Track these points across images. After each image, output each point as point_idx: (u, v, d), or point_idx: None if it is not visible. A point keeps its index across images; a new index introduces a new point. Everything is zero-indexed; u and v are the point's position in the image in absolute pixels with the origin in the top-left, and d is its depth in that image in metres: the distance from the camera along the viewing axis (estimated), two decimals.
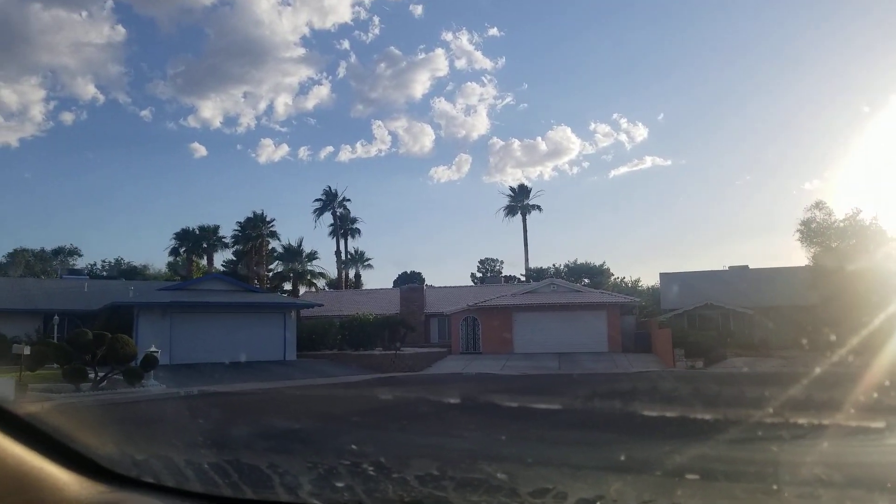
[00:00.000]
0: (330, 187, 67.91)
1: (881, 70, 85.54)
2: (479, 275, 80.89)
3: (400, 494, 2.54)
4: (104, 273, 69.90)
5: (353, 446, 9.64)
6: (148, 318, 30.62)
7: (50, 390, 19.91)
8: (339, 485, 2.70)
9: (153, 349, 23.46)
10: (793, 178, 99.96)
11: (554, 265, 74.55)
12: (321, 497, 2.54)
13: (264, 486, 2.63)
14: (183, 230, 58.57)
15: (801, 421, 9.66)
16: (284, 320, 33.96)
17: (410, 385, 24.81)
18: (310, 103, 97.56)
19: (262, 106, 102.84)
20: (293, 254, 55.39)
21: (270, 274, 58.87)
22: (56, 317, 30.92)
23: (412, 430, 12.18)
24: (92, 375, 21.20)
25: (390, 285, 64.66)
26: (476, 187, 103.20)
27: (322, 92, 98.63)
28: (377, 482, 2.78)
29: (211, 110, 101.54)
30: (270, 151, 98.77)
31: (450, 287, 54.97)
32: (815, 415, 10.35)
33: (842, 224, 37.01)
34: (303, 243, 57.92)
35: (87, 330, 22.53)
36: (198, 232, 58.61)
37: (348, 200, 68.23)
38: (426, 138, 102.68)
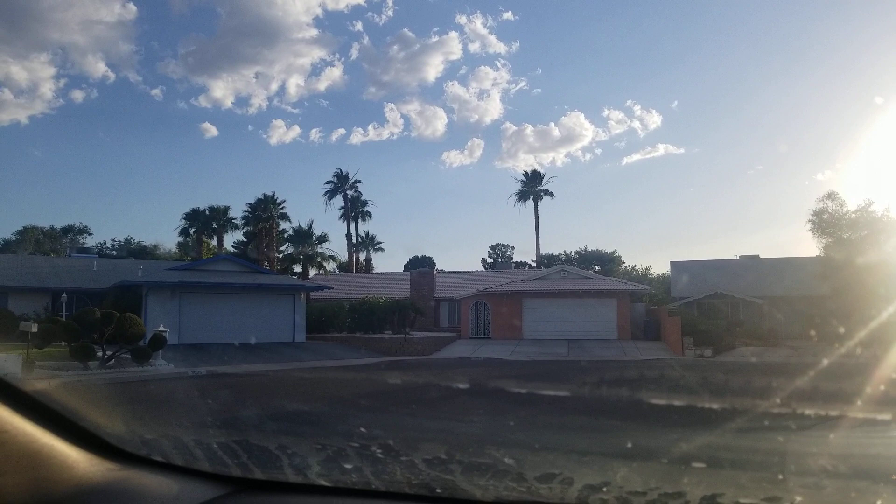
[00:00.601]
0: (341, 170, 67.97)
1: (894, 61, 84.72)
2: (489, 260, 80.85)
3: (408, 477, 2.55)
4: (114, 252, 70.17)
5: (362, 429, 9.70)
6: (157, 298, 30.80)
7: (58, 368, 20.07)
8: (348, 466, 2.72)
9: (161, 329, 23.60)
10: (805, 168, 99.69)
11: (565, 252, 74.43)
12: (329, 478, 2.55)
13: (273, 467, 2.64)
14: (193, 210, 58.70)
15: (808, 411, 9.55)
16: (294, 302, 34.09)
17: (419, 369, 24.88)
18: (322, 85, 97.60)
19: (274, 87, 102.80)
20: (303, 236, 55.43)
21: (280, 256, 59.01)
22: (64, 295, 31.05)
23: (420, 414, 12.22)
24: (100, 354, 21.34)
25: (401, 269, 64.72)
26: (488, 172, 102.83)
27: (334, 74, 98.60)
28: (385, 464, 2.80)
29: (222, 90, 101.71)
30: (282, 133, 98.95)
31: (460, 272, 54.94)
32: (821, 405, 10.16)
33: (854, 215, 36.68)
34: (314, 226, 57.73)
35: (94, 308, 22.69)
36: (208, 212, 58.75)
37: (359, 182, 68.31)
38: (439, 122, 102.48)
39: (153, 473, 2.29)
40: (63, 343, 21.71)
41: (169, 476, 2.32)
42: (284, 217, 59.24)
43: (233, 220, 59.66)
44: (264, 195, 58.15)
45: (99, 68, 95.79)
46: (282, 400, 16.00)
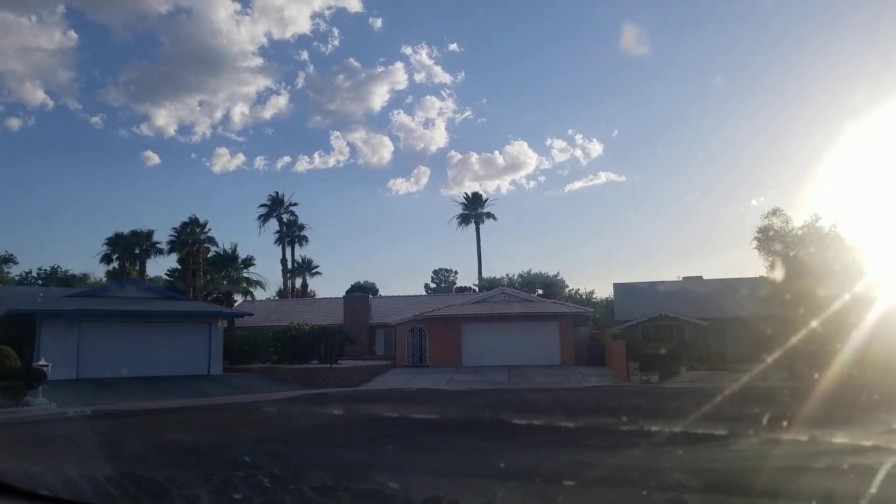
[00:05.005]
0: (276, 193, 65.02)
1: (828, 94, 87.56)
2: (433, 286, 78.80)
3: None
4: (39, 282, 65.71)
5: (243, 472, 8.45)
6: (52, 328, 27.44)
7: None
8: None
9: (42, 363, 20.70)
10: (740, 194, 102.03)
11: (507, 275, 72.79)
12: None
13: None
14: (115, 235, 55.06)
15: (720, 434, 10.30)
16: (210, 331, 31.10)
17: (339, 403, 22.39)
18: (267, 113, 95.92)
19: (218, 115, 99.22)
20: (227, 260, 52.13)
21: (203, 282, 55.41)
22: None
23: (316, 463, 9.89)
24: None
25: (342, 296, 61.91)
26: (434, 199, 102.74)
27: (280, 102, 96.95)
28: None
29: (165, 118, 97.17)
30: (226, 161, 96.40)
31: (398, 297, 52.61)
32: (745, 430, 10.90)
33: (800, 231, 35.71)
34: (245, 251, 54.78)
35: None
36: (130, 237, 55.10)
37: (295, 205, 65.48)
38: (385, 150, 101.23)
39: None
40: None
41: None
42: (212, 241, 55.01)
43: (157, 245, 56.02)
44: (189, 218, 53.62)
45: (37, 96, 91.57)
46: (164, 443, 13.54)
